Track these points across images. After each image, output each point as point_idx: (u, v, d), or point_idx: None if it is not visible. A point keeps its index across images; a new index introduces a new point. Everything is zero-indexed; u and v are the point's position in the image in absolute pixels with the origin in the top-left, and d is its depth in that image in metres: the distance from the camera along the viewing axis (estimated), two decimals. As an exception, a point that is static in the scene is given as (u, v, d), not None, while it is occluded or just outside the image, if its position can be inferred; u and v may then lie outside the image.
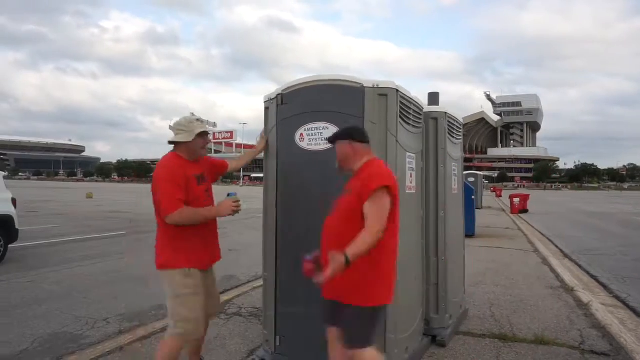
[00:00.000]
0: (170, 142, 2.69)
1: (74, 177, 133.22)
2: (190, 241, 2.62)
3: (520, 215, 18.47)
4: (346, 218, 2.18)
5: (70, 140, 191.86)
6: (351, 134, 2.33)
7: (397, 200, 2.22)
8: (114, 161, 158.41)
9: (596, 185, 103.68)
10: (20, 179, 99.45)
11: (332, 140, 2.40)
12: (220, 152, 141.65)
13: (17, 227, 7.29)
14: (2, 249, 7.00)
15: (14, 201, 7.40)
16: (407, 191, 3.09)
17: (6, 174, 8.92)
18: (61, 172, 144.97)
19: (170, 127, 2.73)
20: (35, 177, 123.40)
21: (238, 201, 2.64)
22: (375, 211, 2.11)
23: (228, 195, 2.67)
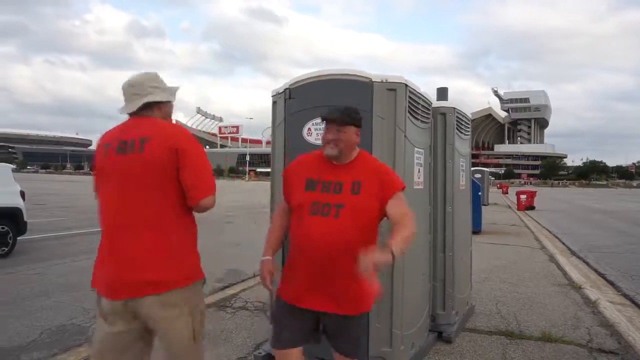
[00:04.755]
0: (143, 106, 1.88)
1: (81, 171, 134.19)
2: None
3: (526, 212, 18.38)
4: (362, 223, 1.90)
5: (77, 134, 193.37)
6: (360, 121, 2.01)
7: None
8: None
9: (604, 182, 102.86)
10: (28, 172, 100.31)
11: (344, 121, 1.95)
12: (226, 146, 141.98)
13: (25, 219, 7.36)
14: (11, 241, 7.06)
15: (22, 194, 7.46)
16: (415, 187, 3.07)
17: (14, 167, 8.98)
18: (68, 165, 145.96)
19: (129, 89, 1.91)
20: (43, 170, 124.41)
21: None
22: (408, 210, 1.93)
23: None
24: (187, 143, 1.84)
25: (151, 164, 1.78)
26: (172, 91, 2.00)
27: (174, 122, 2.02)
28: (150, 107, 1.90)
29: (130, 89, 1.90)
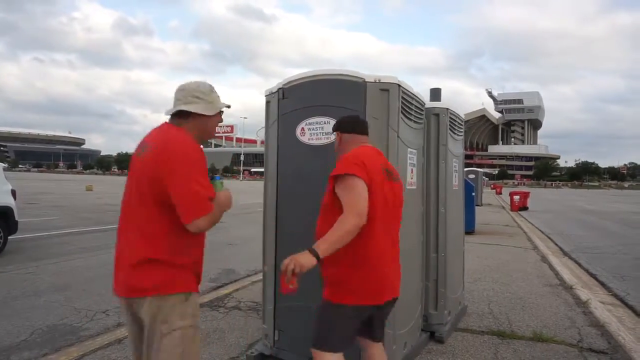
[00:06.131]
0: (175, 114, 1.89)
1: (73, 170, 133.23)
2: (194, 253, 1.89)
3: (520, 212, 18.47)
4: (323, 212, 2.12)
5: (70, 133, 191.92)
6: (339, 125, 2.27)
7: (372, 186, 2.00)
8: (110, 154, 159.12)
9: (597, 183, 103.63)
10: (20, 171, 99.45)
11: (333, 130, 2.33)
12: (220, 146, 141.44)
13: (16, 218, 7.29)
14: (1, 240, 7.00)
15: (13, 193, 7.40)
16: (407, 187, 3.08)
17: (6, 165, 8.90)
18: (61, 164, 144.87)
19: (177, 92, 1.94)
20: (35, 169, 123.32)
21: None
22: (348, 199, 1.96)
23: (213, 179, 1.91)
24: (176, 153, 1.76)
25: (144, 171, 1.79)
26: (216, 107, 1.96)
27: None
28: (184, 117, 1.89)
29: (177, 92, 1.94)
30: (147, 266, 1.76)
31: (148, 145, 1.83)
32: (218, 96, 1.98)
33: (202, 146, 1.90)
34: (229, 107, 2.01)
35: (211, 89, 1.96)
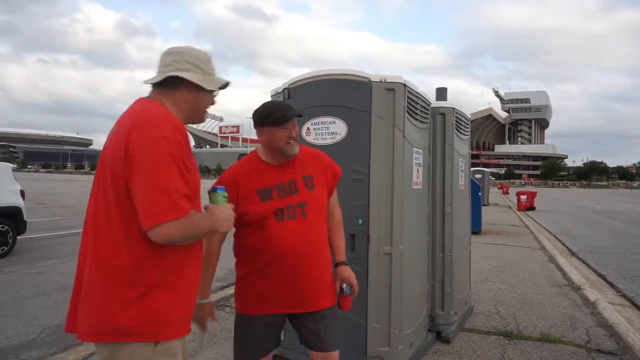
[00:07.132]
0: (158, 84, 1.46)
1: (81, 170, 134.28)
2: (184, 279, 1.41)
3: (527, 212, 18.36)
4: (323, 214, 1.94)
5: (77, 134, 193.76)
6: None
7: None
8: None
9: (605, 183, 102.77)
10: (29, 172, 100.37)
11: (297, 116, 1.91)
12: (226, 146, 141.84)
13: (25, 218, 7.36)
14: (11, 241, 7.07)
15: (22, 193, 7.46)
16: (413, 187, 3.07)
17: (15, 166, 8.99)
18: (69, 164, 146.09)
19: (166, 57, 1.49)
20: (44, 170, 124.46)
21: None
22: (336, 201, 2.09)
23: (215, 190, 1.51)
24: (136, 149, 1.27)
25: (105, 163, 1.36)
26: (215, 81, 1.51)
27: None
28: (170, 87, 1.44)
29: (168, 56, 1.47)
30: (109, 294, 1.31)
31: (114, 128, 1.39)
32: (215, 69, 1.54)
33: (185, 127, 1.42)
34: (228, 84, 1.56)
35: (210, 59, 1.52)
